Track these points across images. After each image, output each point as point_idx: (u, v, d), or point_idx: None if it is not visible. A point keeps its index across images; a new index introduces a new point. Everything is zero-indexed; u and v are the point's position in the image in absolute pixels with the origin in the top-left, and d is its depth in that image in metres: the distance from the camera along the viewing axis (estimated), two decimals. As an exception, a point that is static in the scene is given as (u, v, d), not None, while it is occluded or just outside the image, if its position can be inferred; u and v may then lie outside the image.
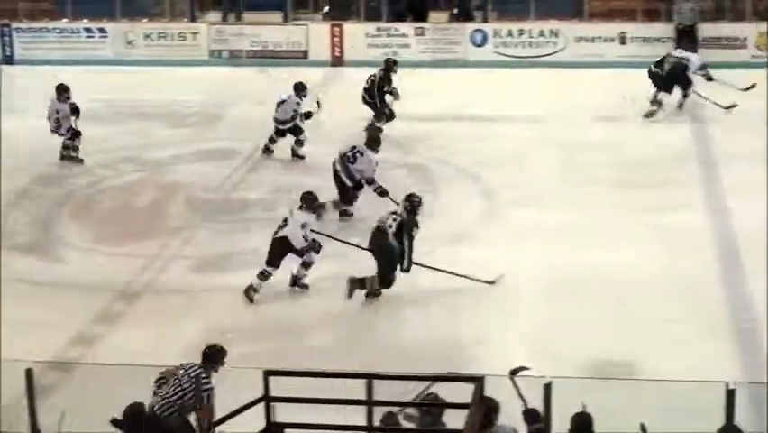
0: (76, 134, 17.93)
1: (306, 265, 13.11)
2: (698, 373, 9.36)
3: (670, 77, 19.58)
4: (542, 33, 24.13)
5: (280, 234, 13.03)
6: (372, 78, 18.94)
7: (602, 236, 14.33)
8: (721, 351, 11.42)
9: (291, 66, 23.74)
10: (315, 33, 24.82)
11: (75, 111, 17.90)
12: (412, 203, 12.74)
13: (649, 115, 19.44)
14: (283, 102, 18.05)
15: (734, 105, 19.45)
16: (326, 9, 26.47)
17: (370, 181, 15.24)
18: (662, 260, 13.60)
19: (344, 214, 15.49)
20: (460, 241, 14.23)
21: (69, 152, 17.98)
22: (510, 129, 19.25)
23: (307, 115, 18.03)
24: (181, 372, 9.23)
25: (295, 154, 18.19)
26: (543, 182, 15.91)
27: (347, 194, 15.39)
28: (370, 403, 8.39)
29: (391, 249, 12.57)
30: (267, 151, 18.34)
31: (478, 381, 7.60)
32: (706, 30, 23.50)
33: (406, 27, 24.73)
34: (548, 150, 17.69)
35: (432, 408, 8.67)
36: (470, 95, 21.17)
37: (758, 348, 11.47)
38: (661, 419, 8.65)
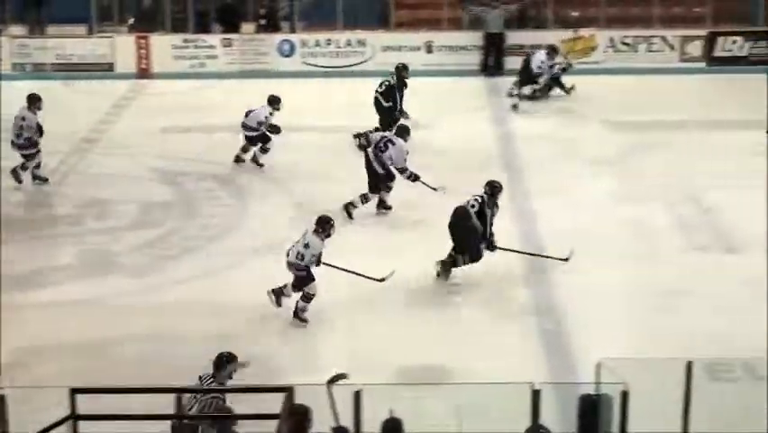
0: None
1: (307, 298, 12.66)
2: (509, 374, 9.48)
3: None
4: (349, 43, 24.23)
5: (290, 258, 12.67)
6: (386, 83, 18.60)
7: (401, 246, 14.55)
8: (528, 352, 11.65)
9: (97, 79, 23.34)
10: (120, 46, 24.34)
11: (40, 128, 17.23)
12: (492, 187, 13.75)
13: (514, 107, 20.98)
14: (252, 111, 18.08)
15: (572, 88, 21.44)
16: (131, 21, 26.01)
17: (402, 170, 15.72)
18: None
19: (383, 206, 15.96)
20: (270, 252, 14.10)
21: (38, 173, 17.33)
22: (317, 138, 19.31)
23: (274, 129, 17.98)
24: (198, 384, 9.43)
25: (254, 160, 18.02)
26: (353, 192, 15.90)
27: (379, 182, 15.76)
28: (175, 417, 8.23)
29: (474, 228, 13.60)
30: (238, 160, 18.15)
31: (287, 391, 7.49)
32: (512, 37, 23.99)
33: (214, 38, 24.50)
34: (356, 159, 17.73)
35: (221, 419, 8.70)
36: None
37: (564, 349, 11.74)
38: (471, 420, 8.74)
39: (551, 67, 21.34)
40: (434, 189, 15.63)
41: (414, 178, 15.76)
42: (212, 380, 9.54)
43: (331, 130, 19.56)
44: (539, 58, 21.23)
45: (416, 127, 17.21)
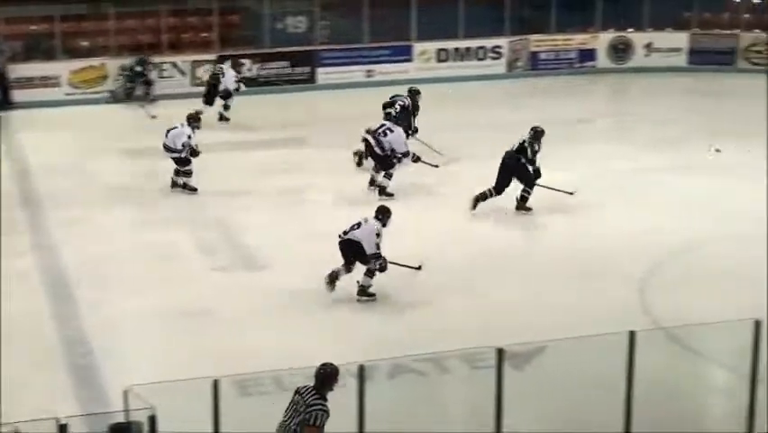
0: None
1: (371, 273, 13.66)
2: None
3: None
4: None
5: (350, 236, 13.63)
6: (401, 103, 19.48)
7: None
8: (57, 387, 11.38)
9: None
10: None
11: None
12: (536, 131, 16.88)
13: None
14: (174, 128, 17.33)
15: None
16: None
17: (406, 154, 17.73)
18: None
19: (384, 193, 17.47)
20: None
21: None
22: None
23: (194, 153, 17.32)
24: (296, 397, 8.97)
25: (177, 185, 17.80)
26: None
27: (382, 162, 17.63)
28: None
29: (523, 164, 16.77)
30: (175, 185, 17.79)
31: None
32: (19, 70, 23.36)
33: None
34: None
35: None
36: None
37: (93, 381, 11.58)
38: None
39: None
40: (436, 166, 18.14)
41: (416, 159, 18.07)
42: (314, 392, 8.91)
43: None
44: (231, 74, 21.94)
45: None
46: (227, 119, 22.03)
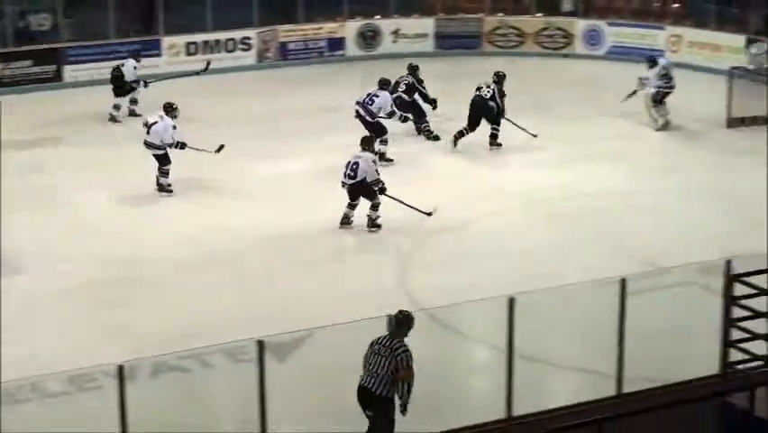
0: None
1: (376, 207, 15.84)
2: None
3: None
4: None
5: (358, 179, 15.65)
6: (406, 82, 20.46)
7: None
8: None
9: None
10: None
11: None
12: (498, 76, 19.78)
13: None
14: (155, 123, 16.61)
15: None
16: None
17: (392, 114, 19.23)
18: None
19: (383, 158, 18.37)
20: None
21: None
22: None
23: (182, 146, 17.00)
24: (376, 347, 9.60)
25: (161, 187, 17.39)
26: None
27: (374, 129, 18.61)
28: None
29: (491, 107, 19.46)
30: (162, 189, 17.33)
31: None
32: None
33: None
34: None
35: None
36: None
37: None
38: None
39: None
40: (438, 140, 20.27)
41: (404, 119, 19.92)
42: (393, 339, 9.60)
43: None
44: (131, 65, 21.57)
45: None
46: None
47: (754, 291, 9.57)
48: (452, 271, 14.42)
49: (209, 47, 25.76)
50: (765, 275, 9.74)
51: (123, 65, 21.72)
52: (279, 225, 16.10)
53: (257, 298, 13.76)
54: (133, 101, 21.69)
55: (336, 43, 27.05)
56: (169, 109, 17.17)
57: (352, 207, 15.90)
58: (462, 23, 27.64)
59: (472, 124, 19.58)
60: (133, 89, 21.61)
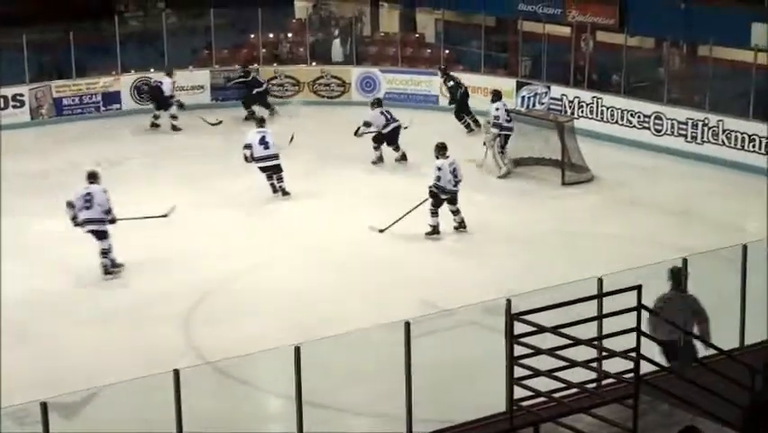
0: None
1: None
2: None
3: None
4: None
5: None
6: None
7: None
8: None
9: None
10: None
11: None
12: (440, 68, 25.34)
13: None
14: (264, 133, 19.25)
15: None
16: None
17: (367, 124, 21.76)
18: None
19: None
20: None
21: None
22: None
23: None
24: (661, 303, 11.28)
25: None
26: None
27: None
28: None
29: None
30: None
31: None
32: None
33: None
34: None
35: None
36: None
37: None
38: None
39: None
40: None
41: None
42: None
43: None
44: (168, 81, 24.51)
45: None
46: None
47: (533, 329, 9.83)
48: (235, 322, 14.36)
49: (-20, 104, 25.04)
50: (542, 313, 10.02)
51: (161, 82, 24.74)
52: (57, 284, 15.77)
53: (40, 358, 13.37)
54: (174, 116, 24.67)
55: (112, 97, 26.62)
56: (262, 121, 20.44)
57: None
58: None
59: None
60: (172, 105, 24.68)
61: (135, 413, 10.00)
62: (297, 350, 9.66)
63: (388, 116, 21.80)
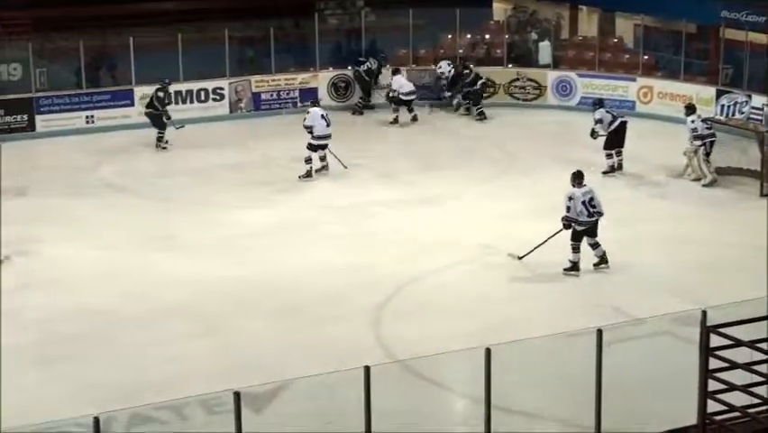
0: None
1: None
2: None
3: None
4: None
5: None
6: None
7: None
8: None
9: None
10: None
11: None
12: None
13: None
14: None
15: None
16: None
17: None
18: None
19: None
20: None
21: None
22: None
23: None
24: None
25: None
26: None
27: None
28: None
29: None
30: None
31: None
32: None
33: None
34: None
35: None
36: None
37: None
38: None
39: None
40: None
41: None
42: None
43: None
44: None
45: None
46: None
47: (729, 342, 9.60)
48: (422, 323, 14.41)
49: (181, 97, 25.75)
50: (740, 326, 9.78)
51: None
52: (248, 276, 16.07)
53: (227, 349, 13.67)
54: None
55: (309, 93, 27.05)
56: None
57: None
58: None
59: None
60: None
61: (322, 408, 10.10)
62: (488, 352, 9.62)
63: (614, 114, 21.69)
